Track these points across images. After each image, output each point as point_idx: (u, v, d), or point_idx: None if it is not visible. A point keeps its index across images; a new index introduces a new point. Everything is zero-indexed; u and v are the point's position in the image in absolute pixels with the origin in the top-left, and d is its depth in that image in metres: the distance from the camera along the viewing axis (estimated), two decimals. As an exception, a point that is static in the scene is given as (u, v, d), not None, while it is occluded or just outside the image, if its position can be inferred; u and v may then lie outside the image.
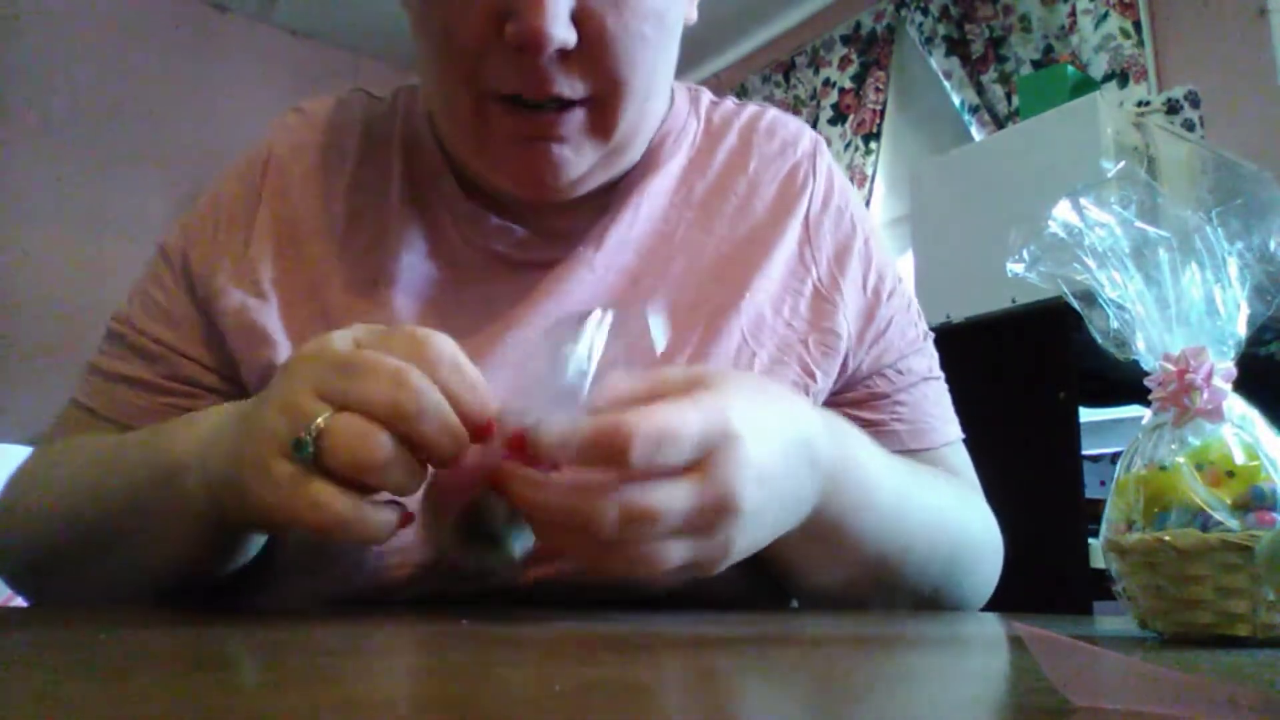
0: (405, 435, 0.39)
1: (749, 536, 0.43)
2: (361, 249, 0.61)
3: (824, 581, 0.57)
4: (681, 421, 0.38)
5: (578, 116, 0.54)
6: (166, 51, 2.97)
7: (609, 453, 0.37)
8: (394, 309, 0.59)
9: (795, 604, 0.74)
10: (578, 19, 0.50)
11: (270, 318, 0.59)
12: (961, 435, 0.69)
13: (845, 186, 0.69)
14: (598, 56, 0.51)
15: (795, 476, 0.45)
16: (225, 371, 0.61)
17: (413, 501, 0.43)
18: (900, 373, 0.66)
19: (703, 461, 0.40)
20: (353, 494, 0.40)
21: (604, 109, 0.54)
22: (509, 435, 0.40)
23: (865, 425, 0.65)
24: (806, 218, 0.66)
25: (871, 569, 0.56)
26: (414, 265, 0.61)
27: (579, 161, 0.56)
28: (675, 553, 0.40)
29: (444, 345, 0.41)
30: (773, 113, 0.70)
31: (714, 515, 0.40)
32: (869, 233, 0.68)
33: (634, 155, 0.63)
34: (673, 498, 0.39)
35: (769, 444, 0.43)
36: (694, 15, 0.61)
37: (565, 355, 0.42)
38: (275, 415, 0.40)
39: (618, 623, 0.45)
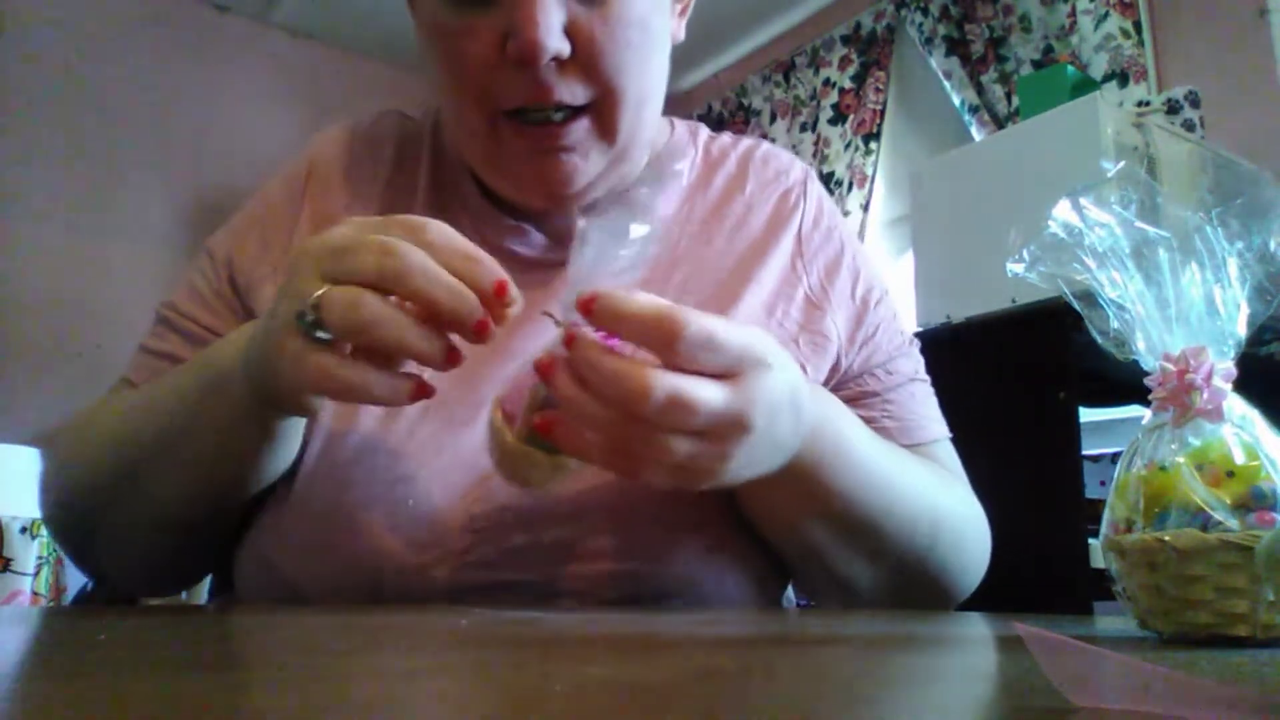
0: (400, 296, 0.44)
1: (741, 460, 0.46)
2: None
3: (811, 538, 0.58)
4: (726, 332, 0.43)
5: (582, 125, 0.60)
6: (166, 52, 2.96)
7: (661, 335, 0.42)
8: None
9: (795, 604, 0.74)
10: (569, 31, 0.56)
11: None
12: (949, 435, 0.72)
13: (834, 210, 0.76)
14: (591, 62, 0.57)
15: (787, 420, 0.48)
16: None
17: (438, 380, 0.48)
18: (889, 373, 0.70)
19: (733, 375, 0.44)
20: (360, 361, 0.45)
21: (604, 114, 0.60)
22: (566, 329, 0.44)
23: None
24: (799, 233, 0.72)
25: (853, 524, 0.58)
26: None
27: (587, 168, 0.62)
28: (682, 449, 0.44)
29: (439, 226, 0.46)
30: (767, 145, 0.78)
31: (729, 427, 0.44)
32: (856, 250, 0.74)
33: (636, 161, 0.68)
34: (710, 396, 0.43)
35: (784, 381, 0.47)
36: (681, 34, 0.68)
37: (620, 234, 0.45)
38: (284, 301, 0.46)
39: (618, 623, 0.45)
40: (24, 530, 1.91)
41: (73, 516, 0.64)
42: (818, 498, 0.55)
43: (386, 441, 0.59)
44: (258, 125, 3.09)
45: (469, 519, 0.56)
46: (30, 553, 1.90)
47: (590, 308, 0.42)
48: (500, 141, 0.60)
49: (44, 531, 1.93)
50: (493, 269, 0.46)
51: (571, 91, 0.58)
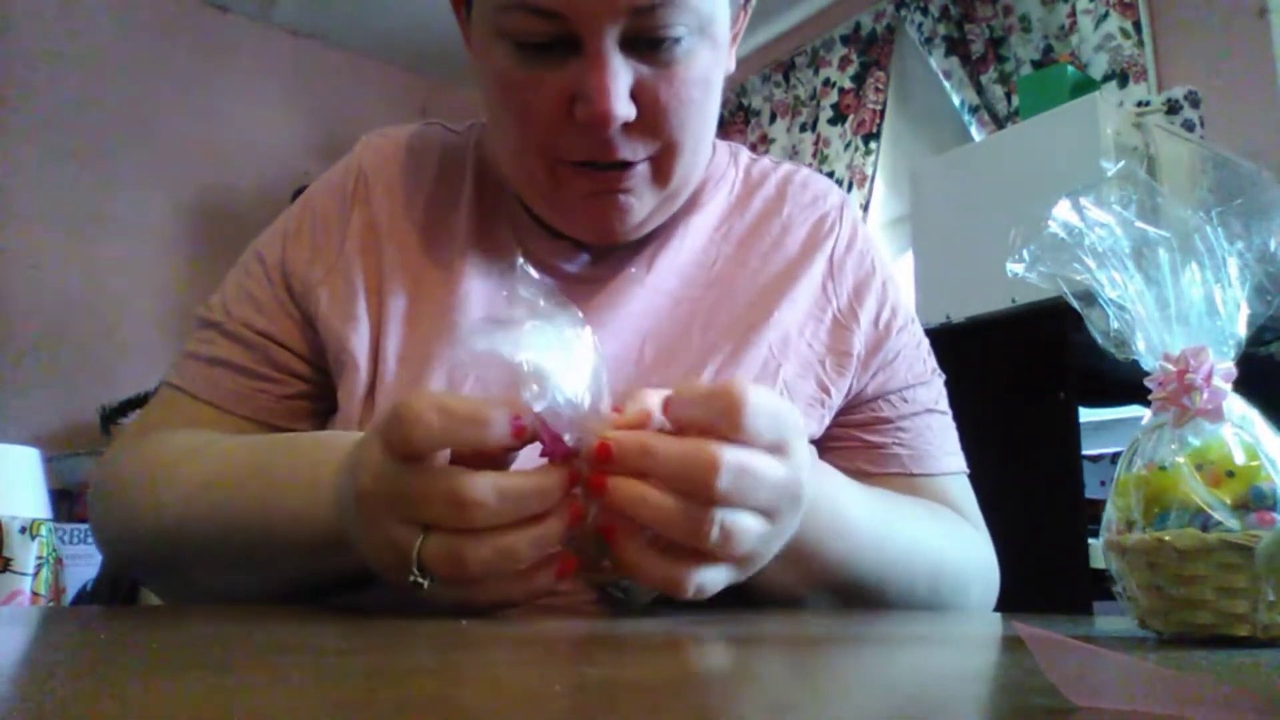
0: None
1: (787, 535, 0.46)
2: (433, 254, 0.68)
3: (811, 601, 0.59)
4: (768, 405, 0.43)
5: (641, 171, 0.61)
6: (166, 51, 2.96)
7: (725, 409, 0.42)
8: (456, 311, 0.65)
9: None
10: (635, 94, 0.57)
11: (359, 306, 0.66)
12: (966, 470, 0.72)
13: (869, 236, 0.77)
14: (655, 124, 0.59)
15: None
16: (315, 360, 0.68)
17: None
18: (905, 400, 0.70)
19: (781, 447, 0.44)
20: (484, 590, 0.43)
21: (662, 163, 0.62)
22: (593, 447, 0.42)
23: (868, 447, 0.70)
24: (831, 256, 0.73)
25: (852, 588, 0.58)
26: (477, 270, 0.67)
27: (641, 208, 0.63)
28: (753, 530, 0.43)
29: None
30: (806, 170, 0.79)
31: (789, 500, 0.44)
32: (887, 277, 0.75)
33: (684, 197, 0.70)
34: (772, 467, 0.43)
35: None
36: (733, 65, 0.67)
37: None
38: (382, 551, 0.44)
39: (618, 623, 0.45)
40: (24, 530, 1.90)
41: (128, 558, 0.64)
42: (814, 572, 0.55)
43: None
44: (258, 125, 3.09)
45: None
46: (30, 553, 1.90)
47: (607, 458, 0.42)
48: (559, 184, 0.62)
49: (44, 531, 1.93)
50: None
51: (633, 150, 0.59)
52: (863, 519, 0.58)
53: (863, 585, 0.58)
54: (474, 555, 0.41)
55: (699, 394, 0.43)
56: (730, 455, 0.41)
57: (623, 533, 0.44)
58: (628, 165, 0.60)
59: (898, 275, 0.78)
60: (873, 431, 0.69)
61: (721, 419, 0.42)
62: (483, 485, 0.41)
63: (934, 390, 0.73)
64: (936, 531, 0.65)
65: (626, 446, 0.42)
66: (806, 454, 0.46)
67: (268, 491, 0.53)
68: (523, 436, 0.43)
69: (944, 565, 0.63)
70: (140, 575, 0.64)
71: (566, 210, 0.65)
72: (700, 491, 0.41)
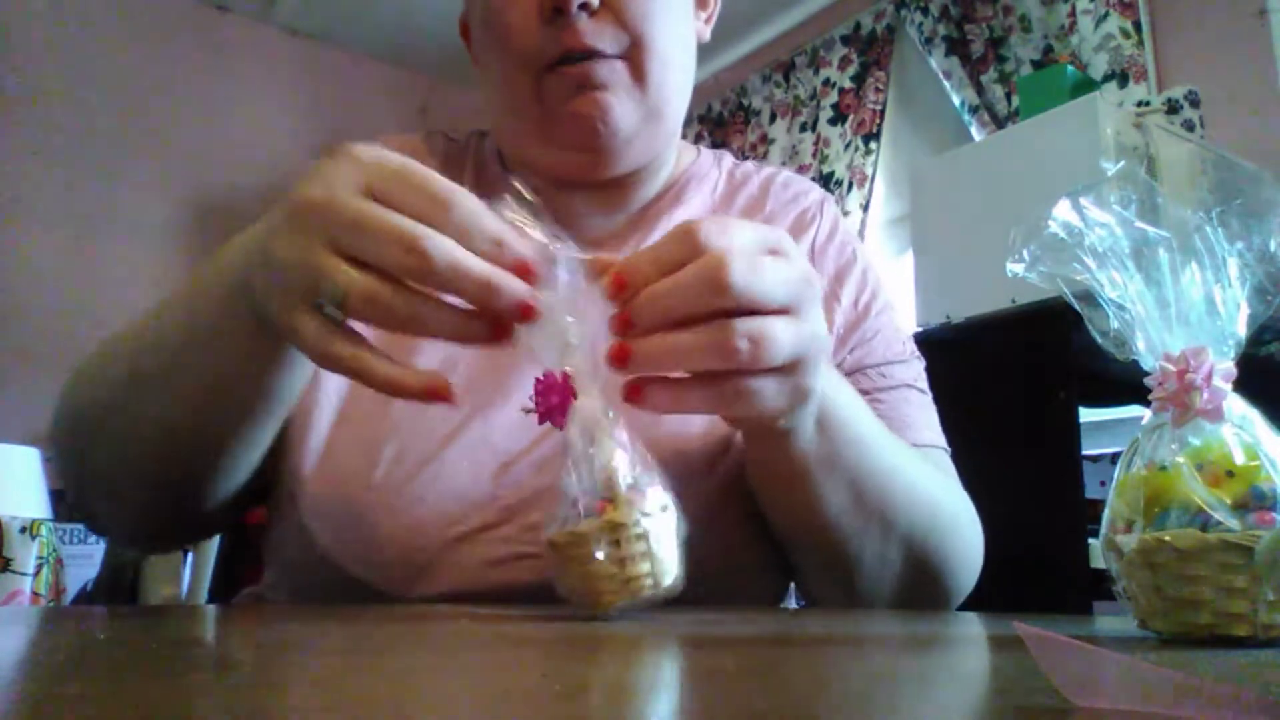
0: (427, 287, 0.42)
1: (820, 336, 0.47)
2: None
3: (826, 511, 0.58)
4: (747, 224, 0.45)
5: (617, 68, 0.65)
6: (166, 51, 2.96)
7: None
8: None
9: (795, 605, 0.74)
10: None
11: None
12: (947, 448, 0.72)
13: (849, 230, 0.80)
14: (618, 10, 0.64)
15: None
16: None
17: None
18: (883, 375, 0.72)
19: (778, 250, 0.45)
20: (382, 354, 0.43)
21: (635, 61, 0.66)
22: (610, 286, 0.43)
23: None
24: (813, 245, 0.76)
25: (863, 487, 0.58)
26: None
27: (621, 111, 0.66)
28: (773, 388, 0.45)
29: (464, 205, 0.42)
30: (789, 172, 0.83)
31: (806, 290, 0.45)
32: (868, 265, 0.77)
33: (666, 135, 0.72)
34: (775, 262, 0.44)
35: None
36: (706, 35, 0.75)
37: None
38: (294, 271, 0.42)
39: (618, 623, 0.45)
40: (24, 530, 1.91)
41: (73, 434, 0.62)
42: (839, 446, 0.55)
43: (417, 423, 0.61)
44: (258, 124, 3.09)
45: (494, 498, 0.59)
46: (30, 553, 1.90)
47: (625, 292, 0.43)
48: (543, 97, 0.66)
49: (44, 531, 1.93)
50: (520, 251, 0.43)
51: (602, 37, 0.64)
52: (874, 422, 0.59)
53: (876, 487, 0.58)
54: (401, 304, 0.41)
55: (669, 240, 0.43)
56: (735, 254, 0.42)
57: (658, 385, 0.44)
58: (602, 56, 0.64)
59: (879, 268, 0.81)
60: None
61: (708, 241, 0.43)
62: (444, 245, 0.41)
63: (913, 370, 0.74)
64: (929, 470, 0.65)
65: (635, 261, 0.43)
66: (820, 310, 0.47)
67: (190, 288, 0.55)
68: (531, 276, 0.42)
69: (937, 495, 0.64)
70: (76, 443, 0.61)
71: (554, 124, 0.67)
72: (716, 291, 0.42)
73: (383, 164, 0.43)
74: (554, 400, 0.44)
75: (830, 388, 0.53)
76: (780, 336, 0.44)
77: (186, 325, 0.54)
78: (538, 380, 0.44)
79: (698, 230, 0.43)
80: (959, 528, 0.66)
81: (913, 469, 0.62)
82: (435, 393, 0.44)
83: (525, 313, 0.42)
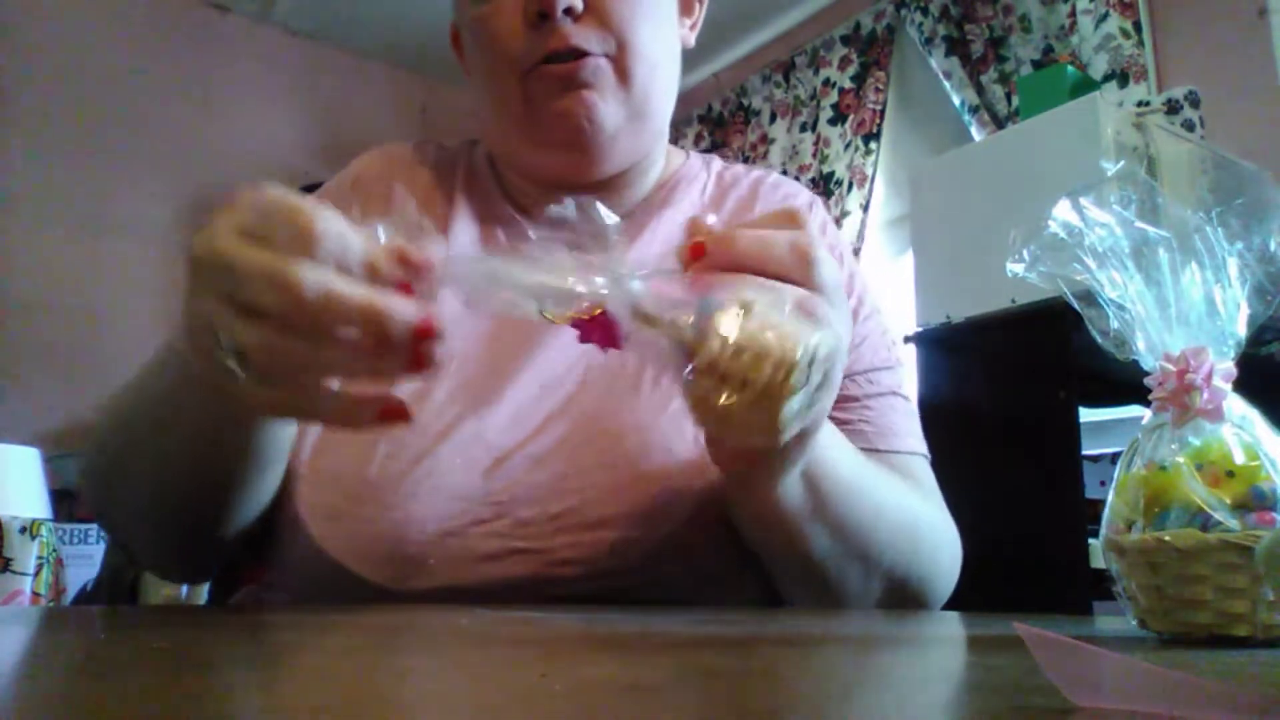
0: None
1: (846, 335, 0.46)
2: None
3: (810, 545, 0.58)
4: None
5: (602, 66, 0.66)
6: (166, 51, 2.96)
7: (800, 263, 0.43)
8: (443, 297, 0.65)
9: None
10: None
11: None
12: (928, 455, 0.73)
13: (837, 233, 0.81)
14: (602, 15, 0.65)
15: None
16: None
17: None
18: (870, 381, 0.72)
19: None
20: (327, 389, 0.40)
21: (620, 62, 0.66)
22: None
23: (835, 424, 0.70)
24: None
25: (847, 524, 0.58)
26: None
27: (606, 109, 0.67)
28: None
29: (330, 228, 0.38)
30: (777, 175, 0.83)
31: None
32: (854, 269, 0.78)
33: (651, 136, 0.72)
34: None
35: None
36: (690, 41, 0.76)
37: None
38: (199, 334, 0.41)
39: (618, 623, 0.45)
40: (24, 530, 1.91)
41: (95, 500, 0.65)
42: (823, 492, 0.56)
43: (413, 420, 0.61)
44: (257, 124, 3.09)
45: (487, 493, 0.59)
46: (30, 553, 1.90)
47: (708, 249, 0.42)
48: (530, 98, 0.67)
49: (44, 531, 1.93)
50: (394, 270, 0.39)
51: (586, 38, 0.65)
52: (855, 461, 0.60)
53: (860, 531, 0.59)
54: (292, 350, 0.38)
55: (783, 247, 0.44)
56: (824, 259, 0.44)
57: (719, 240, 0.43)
58: (587, 56, 0.65)
59: (867, 272, 0.82)
60: (839, 409, 0.69)
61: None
62: (313, 276, 0.37)
63: (897, 375, 0.75)
64: (912, 493, 0.66)
65: (720, 236, 0.43)
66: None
67: (159, 355, 0.57)
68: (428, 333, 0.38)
69: (920, 522, 0.65)
70: (96, 499, 0.65)
71: (540, 124, 0.68)
72: (801, 257, 0.43)
73: (255, 202, 0.40)
74: (596, 336, 0.41)
75: (819, 443, 0.52)
76: (819, 351, 0.43)
77: (158, 398, 0.55)
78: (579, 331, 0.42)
79: (798, 213, 0.45)
80: (939, 548, 0.67)
81: (893, 501, 0.62)
82: (390, 415, 0.41)
83: (423, 333, 0.38)
